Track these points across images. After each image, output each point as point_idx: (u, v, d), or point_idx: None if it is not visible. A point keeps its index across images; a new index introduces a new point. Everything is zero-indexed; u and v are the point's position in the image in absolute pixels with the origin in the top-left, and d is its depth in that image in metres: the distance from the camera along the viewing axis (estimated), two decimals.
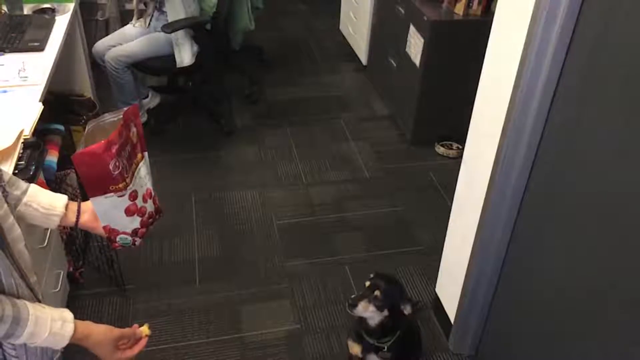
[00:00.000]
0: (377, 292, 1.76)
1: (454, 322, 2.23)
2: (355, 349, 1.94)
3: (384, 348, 1.87)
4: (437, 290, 2.40)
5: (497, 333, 2.08)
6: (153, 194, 1.29)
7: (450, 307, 2.26)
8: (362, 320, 1.87)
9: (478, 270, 2.01)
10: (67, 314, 1.11)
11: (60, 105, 2.90)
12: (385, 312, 1.78)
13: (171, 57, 3.21)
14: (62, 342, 1.10)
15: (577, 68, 1.52)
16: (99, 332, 1.17)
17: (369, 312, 1.77)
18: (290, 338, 2.30)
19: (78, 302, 2.37)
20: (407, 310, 1.78)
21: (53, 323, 1.07)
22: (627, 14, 1.33)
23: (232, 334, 2.30)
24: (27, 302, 1.06)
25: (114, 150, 1.11)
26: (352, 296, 1.79)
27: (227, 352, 2.23)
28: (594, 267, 1.51)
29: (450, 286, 2.25)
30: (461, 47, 3.10)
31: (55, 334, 1.08)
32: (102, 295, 2.43)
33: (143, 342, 1.27)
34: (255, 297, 2.47)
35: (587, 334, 1.56)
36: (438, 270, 2.37)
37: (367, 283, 1.80)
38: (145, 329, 1.29)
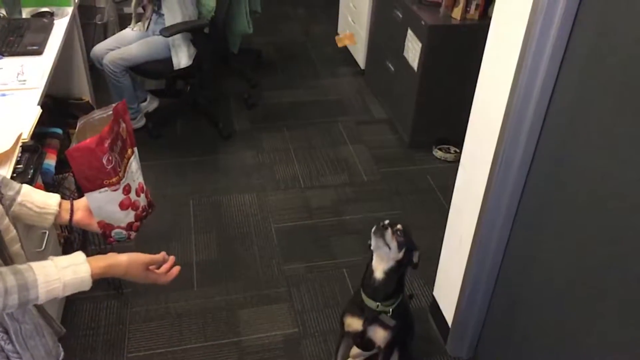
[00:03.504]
0: (399, 226, 1.76)
1: (452, 325, 2.23)
2: (355, 324, 1.89)
3: (389, 312, 1.83)
4: (434, 293, 2.40)
5: (494, 336, 2.08)
6: (145, 188, 1.32)
7: (448, 311, 2.26)
8: (366, 277, 1.85)
9: (475, 274, 2.01)
10: (78, 257, 1.10)
11: (58, 109, 2.90)
12: (401, 255, 1.77)
13: (169, 61, 3.21)
14: (85, 285, 1.09)
15: (574, 71, 1.53)
16: (122, 262, 1.16)
17: (392, 244, 1.75)
18: (288, 342, 2.30)
19: (75, 306, 2.37)
20: (415, 257, 1.78)
21: (63, 272, 1.06)
22: (623, 16, 1.34)
23: (229, 338, 2.30)
24: (31, 263, 1.05)
25: (106, 145, 1.13)
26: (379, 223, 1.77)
27: (224, 356, 2.23)
28: (592, 270, 1.51)
29: (447, 289, 2.25)
30: (458, 51, 3.11)
31: (72, 281, 1.07)
32: (99, 299, 2.43)
33: (177, 269, 1.29)
34: (253, 300, 2.47)
35: (585, 337, 1.56)
36: (436, 274, 2.37)
37: (387, 221, 1.79)
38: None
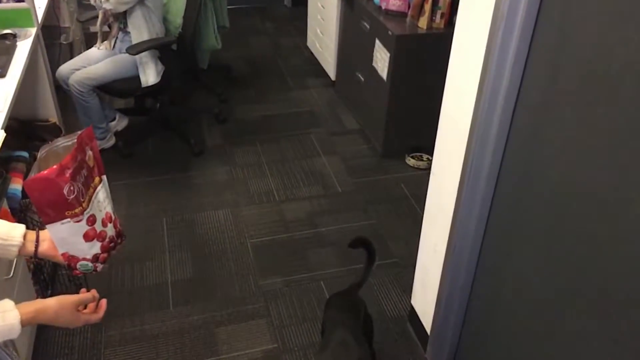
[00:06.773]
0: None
1: (430, 332, 2.23)
2: None
3: None
4: (412, 301, 2.40)
5: (473, 342, 2.09)
6: (113, 217, 1.27)
7: (426, 318, 2.26)
8: None
9: (451, 280, 2.02)
10: (6, 304, 1.10)
11: (24, 132, 2.84)
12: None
13: (137, 78, 3.18)
14: (14, 332, 1.09)
15: (537, 75, 1.55)
16: (51, 304, 1.15)
17: None
18: (268, 358, 2.27)
19: (47, 333, 2.31)
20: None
21: None
22: (583, 17, 1.37)
23: (208, 357, 2.27)
24: None
25: (67, 175, 1.09)
26: None
27: None
28: (564, 271, 1.53)
29: (425, 297, 2.26)
30: (426, 60, 3.15)
31: (1, 328, 1.06)
32: None
33: (104, 302, 1.27)
34: (230, 318, 2.44)
35: (561, 340, 1.58)
36: (413, 282, 2.38)
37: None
38: None
